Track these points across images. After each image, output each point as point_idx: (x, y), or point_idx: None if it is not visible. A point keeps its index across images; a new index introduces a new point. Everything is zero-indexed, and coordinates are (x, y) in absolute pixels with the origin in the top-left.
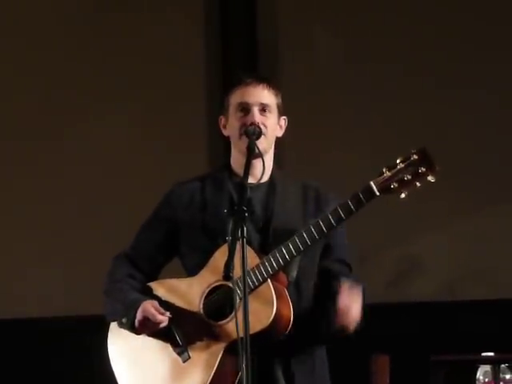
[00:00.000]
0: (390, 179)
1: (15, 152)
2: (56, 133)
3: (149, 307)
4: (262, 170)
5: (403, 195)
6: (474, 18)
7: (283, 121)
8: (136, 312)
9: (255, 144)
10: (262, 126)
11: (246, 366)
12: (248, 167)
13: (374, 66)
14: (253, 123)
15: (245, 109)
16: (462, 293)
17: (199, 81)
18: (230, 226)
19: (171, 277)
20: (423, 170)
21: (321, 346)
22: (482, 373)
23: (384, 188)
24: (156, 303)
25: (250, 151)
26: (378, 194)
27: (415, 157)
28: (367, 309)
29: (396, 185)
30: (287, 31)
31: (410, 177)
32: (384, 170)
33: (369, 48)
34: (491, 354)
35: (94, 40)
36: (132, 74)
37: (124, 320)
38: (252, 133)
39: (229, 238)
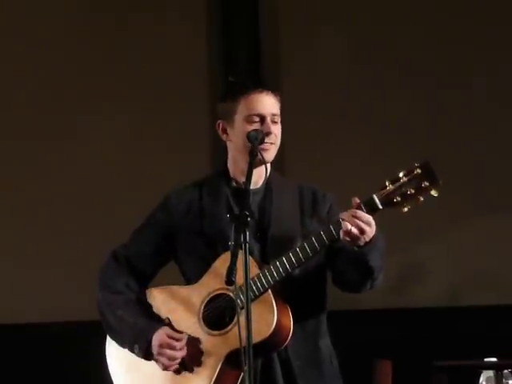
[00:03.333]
0: (392, 193)
1: (15, 152)
2: (56, 133)
3: (164, 338)
4: (264, 177)
5: (406, 209)
6: (477, 19)
7: None
8: (149, 341)
9: (258, 149)
10: (274, 137)
11: (249, 374)
12: (251, 172)
13: (376, 66)
14: (268, 133)
15: (258, 120)
16: (465, 298)
17: (202, 80)
18: (232, 231)
19: (169, 283)
20: (426, 184)
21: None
22: (485, 378)
23: (387, 201)
24: (168, 329)
25: (252, 157)
26: (380, 207)
27: (418, 171)
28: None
29: (399, 199)
30: (289, 31)
31: (413, 191)
32: (387, 183)
33: (371, 48)
34: (494, 359)
35: (95, 40)
36: (134, 74)
37: (136, 349)
38: (255, 138)
39: (231, 243)
